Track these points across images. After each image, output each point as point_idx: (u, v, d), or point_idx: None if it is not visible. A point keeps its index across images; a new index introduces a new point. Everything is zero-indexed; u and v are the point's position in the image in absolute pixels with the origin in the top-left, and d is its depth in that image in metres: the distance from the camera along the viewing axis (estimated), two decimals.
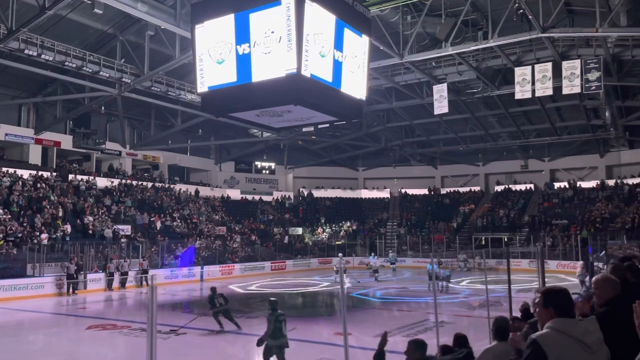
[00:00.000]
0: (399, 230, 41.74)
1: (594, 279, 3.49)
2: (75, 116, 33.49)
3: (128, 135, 37.39)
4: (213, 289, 14.33)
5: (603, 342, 2.63)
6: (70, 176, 31.71)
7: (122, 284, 24.55)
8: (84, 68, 24.65)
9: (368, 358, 10.59)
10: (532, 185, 42.38)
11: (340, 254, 32.93)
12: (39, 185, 28.54)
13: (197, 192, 39.54)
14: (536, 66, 23.76)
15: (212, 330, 14.27)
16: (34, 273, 22.52)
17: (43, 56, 22.81)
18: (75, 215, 28.11)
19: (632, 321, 2.98)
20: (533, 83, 23.58)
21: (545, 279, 8.28)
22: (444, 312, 15.40)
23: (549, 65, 23.48)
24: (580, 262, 22.40)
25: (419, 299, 20.92)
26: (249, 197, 44.01)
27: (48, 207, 26.88)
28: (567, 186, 40.29)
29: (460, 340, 5.09)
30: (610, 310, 2.97)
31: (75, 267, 22.75)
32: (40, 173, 29.84)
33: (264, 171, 47.42)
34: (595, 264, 21.09)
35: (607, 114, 31.20)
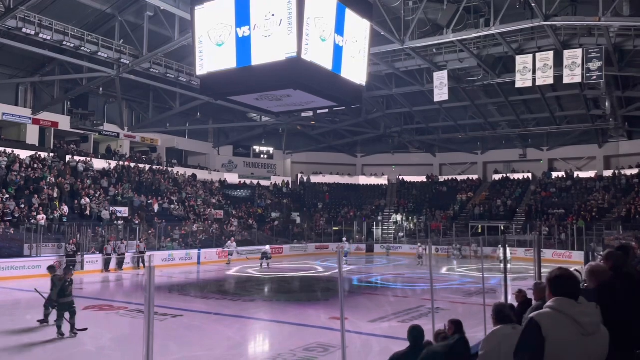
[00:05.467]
0: (397, 217, 41.85)
1: (585, 268, 3.65)
2: (73, 97, 33.33)
3: (126, 117, 37.24)
4: (51, 268, 12.48)
5: (600, 326, 2.69)
6: (68, 157, 31.63)
7: (119, 265, 24.64)
8: (82, 48, 24.43)
9: (363, 342, 10.70)
10: (530, 175, 42.45)
11: (344, 238, 32.97)
12: (36, 165, 28.48)
13: (194, 175, 39.52)
14: (537, 55, 23.65)
15: (210, 312, 14.36)
16: (30, 253, 22.57)
17: (41, 35, 22.59)
18: (73, 196, 28.09)
19: (617, 307, 3.06)
20: (534, 72, 23.50)
21: (542, 268, 8.34)
22: (440, 298, 15.51)
23: (551, 54, 23.37)
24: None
25: (414, 285, 21.04)
26: (247, 181, 44.01)
27: (45, 187, 26.85)
28: (565, 176, 40.36)
29: (456, 325, 5.13)
30: (595, 297, 3.07)
31: (75, 248, 22.84)
32: (37, 154, 29.75)
33: (262, 156, 47.37)
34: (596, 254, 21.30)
35: (607, 104, 31.13)
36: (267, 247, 28.63)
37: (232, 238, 30.58)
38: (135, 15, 26.08)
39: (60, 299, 11.22)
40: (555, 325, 2.61)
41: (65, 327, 11.14)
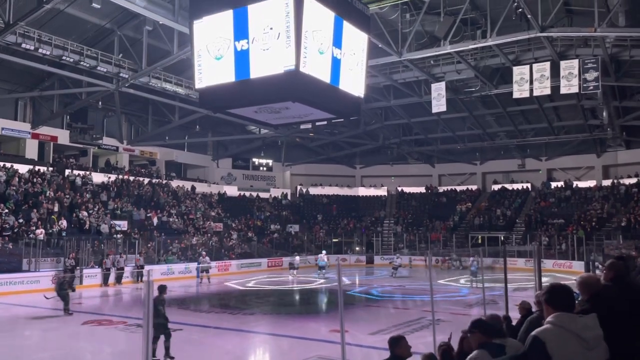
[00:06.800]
0: (396, 228, 41.78)
1: (577, 279, 3.65)
2: (72, 111, 33.38)
3: (125, 130, 37.30)
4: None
5: (602, 338, 2.67)
6: (67, 171, 31.61)
7: (118, 279, 24.51)
8: (82, 63, 24.55)
9: (364, 355, 10.64)
10: (529, 185, 42.48)
11: (324, 251, 31.61)
12: (35, 180, 28.45)
13: (193, 188, 39.51)
14: (534, 65, 23.77)
15: (209, 326, 14.26)
16: (29, 268, 22.47)
17: (40, 50, 22.70)
18: (71, 210, 28.03)
19: (615, 318, 3.05)
20: (531, 82, 23.60)
21: (542, 279, 8.32)
22: (441, 310, 15.44)
23: (547, 64, 23.50)
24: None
25: (415, 296, 20.95)
26: (246, 193, 44.00)
27: (44, 202, 26.80)
28: (564, 186, 40.40)
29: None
30: (588, 308, 3.06)
31: (73, 262, 22.73)
32: (36, 168, 29.73)
33: (261, 168, 47.38)
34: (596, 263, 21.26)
35: (604, 114, 31.25)
36: (297, 257, 29.46)
37: (204, 253, 27.97)
38: (134, 30, 26.24)
39: (155, 320, 10.23)
40: (560, 342, 2.58)
41: (160, 351, 10.44)
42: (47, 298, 16.45)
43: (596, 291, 3.40)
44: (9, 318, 16.41)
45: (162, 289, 10.82)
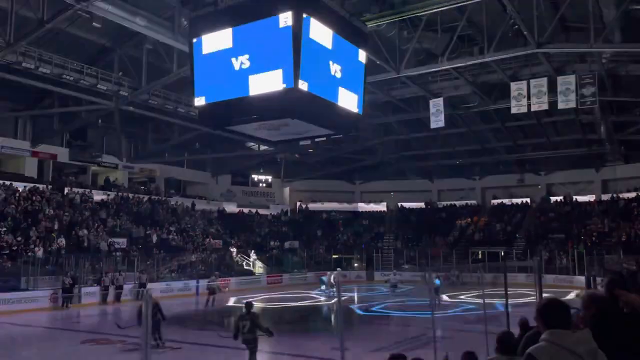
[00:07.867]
0: (396, 243, 41.64)
1: (582, 295, 3.61)
2: (72, 129, 33.44)
3: (125, 148, 37.34)
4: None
5: (597, 352, 2.66)
6: (66, 189, 31.59)
7: (117, 297, 24.34)
8: (82, 81, 24.66)
9: None
10: (528, 200, 42.46)
11: (338, 269, 32.33)
12: (34, 198, 28.42)
13: (193, 205, 39.46)
14: (532, 81, 23.88)
15: (208, 344, 14.13)
16: (28, 286, 22.33)
17: (41, 69, 22.82)
18: (71, 228, 27.96)
19: (616, 334, 3.03)
20: (529, 98, 23.69)
21: (543, 294, 8.28)
22: (442, 327, 15.31)
23: (545, 80, 23.60)
24: None
25: (416, 313, 20.79)
26: (246, 210, 43.93)
27: (43, 220, 26.74)
28: (564, 200, 40.38)
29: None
30: (592, 324, 3.04)
31: (71, 281, 22.60)
32: (36, 186, 29.72)
33: (260, 184, 47.38)
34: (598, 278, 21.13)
35: (602, 128, 31.35)
36: (328, 273, 29.62)
37: (217, 272, 27.72)
38: (134, 48, 26.38)
39: (250, 335, 10.39)
40: (553, 358, 2.59)
41: None
42: (120, 328, 15.44)
43: (601, 307, 3.37)
44: (6, 337, 16.26)
45: (250, 305, 10.55)
